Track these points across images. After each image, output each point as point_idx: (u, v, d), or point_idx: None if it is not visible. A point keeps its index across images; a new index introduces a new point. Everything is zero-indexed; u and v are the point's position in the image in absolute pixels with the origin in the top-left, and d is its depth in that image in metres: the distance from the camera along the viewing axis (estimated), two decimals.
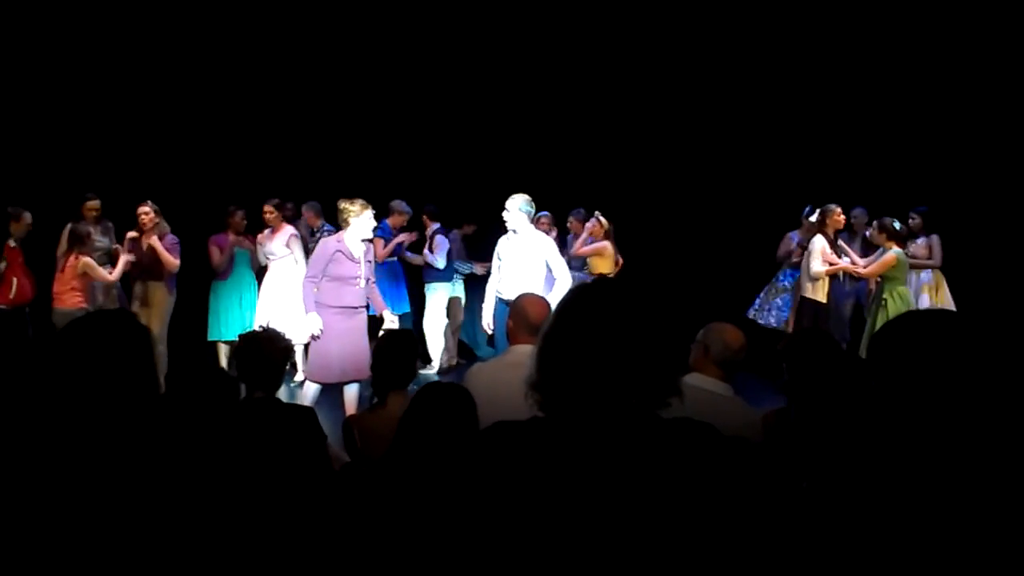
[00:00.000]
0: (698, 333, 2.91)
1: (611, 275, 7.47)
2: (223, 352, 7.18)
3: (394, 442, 2.15)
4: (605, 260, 7.54)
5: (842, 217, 6.86)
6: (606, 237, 7.52)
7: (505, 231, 6.01)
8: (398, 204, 7.86)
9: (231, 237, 7.18)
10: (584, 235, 7.55)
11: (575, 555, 1.31)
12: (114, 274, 6.32)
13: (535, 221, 7.39)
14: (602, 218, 7.51)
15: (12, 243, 6.20)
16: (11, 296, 6.07)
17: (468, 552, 1.42)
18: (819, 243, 6.70)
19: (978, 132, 7.74)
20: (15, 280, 6.13)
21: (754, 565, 1.34)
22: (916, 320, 1.50)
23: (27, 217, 6.27)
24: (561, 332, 1.44)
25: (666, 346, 1.45)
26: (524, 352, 1.53)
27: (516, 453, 1.39)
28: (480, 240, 7.83)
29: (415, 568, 1.90)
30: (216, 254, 7.16)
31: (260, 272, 7.41)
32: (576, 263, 7.56)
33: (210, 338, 7.20)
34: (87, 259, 6.14)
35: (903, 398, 1.36)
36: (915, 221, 7.12)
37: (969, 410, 1.31)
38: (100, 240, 6.72)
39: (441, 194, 8.32)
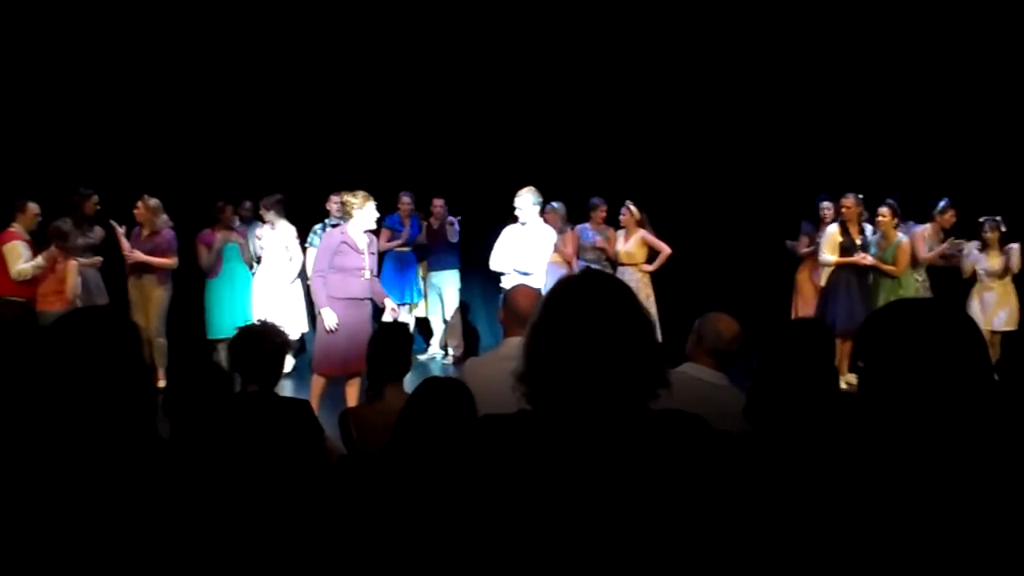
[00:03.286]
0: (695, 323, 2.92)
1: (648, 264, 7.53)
2: (221, 348, 7.12)
3: (392, 437, 2.16)
4: (642, 250, 7.53)
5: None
6: (639, 226, 7.50)
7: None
8: (401, 195, 8.07)
9: (219, 234, 7.08)
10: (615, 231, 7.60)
11: (562, 548, 1.31)
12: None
13: (544, 213, 7.46)
14: (633, 207, 7.48)
15: (26, 235, 6.14)
16: (25, 289, 6.02)
17: (459, 546, 1.42)
18: (831, 230, 6.77)
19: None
20: None
21: (739, 556, 1.34)
22: (908, 308, 1.48)
23: (33, 208, 6.22)
24: (547, 324, 1.44)
25: (652, 337, 1.45)
26: (517, 345, 1.53)
27: (503, 447, 1.39)
28: (481, 233, 7.81)
29: (408, 561, 1.91)
30: (204, 253, 7.05)
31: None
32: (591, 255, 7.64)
33: (210, 336, 7.12)
34: (72, 263, 6.07)
35: (889, 384, 1.35)
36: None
37: (952, 403, 1.30)
38: (88, 236, 6.61)
39: (441, 185, 8.31)
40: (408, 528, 1.94)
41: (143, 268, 6.65)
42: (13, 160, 7.31)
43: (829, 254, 6.78)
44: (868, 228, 6.82)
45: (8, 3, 7.47)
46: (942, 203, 6.96)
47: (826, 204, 7.22)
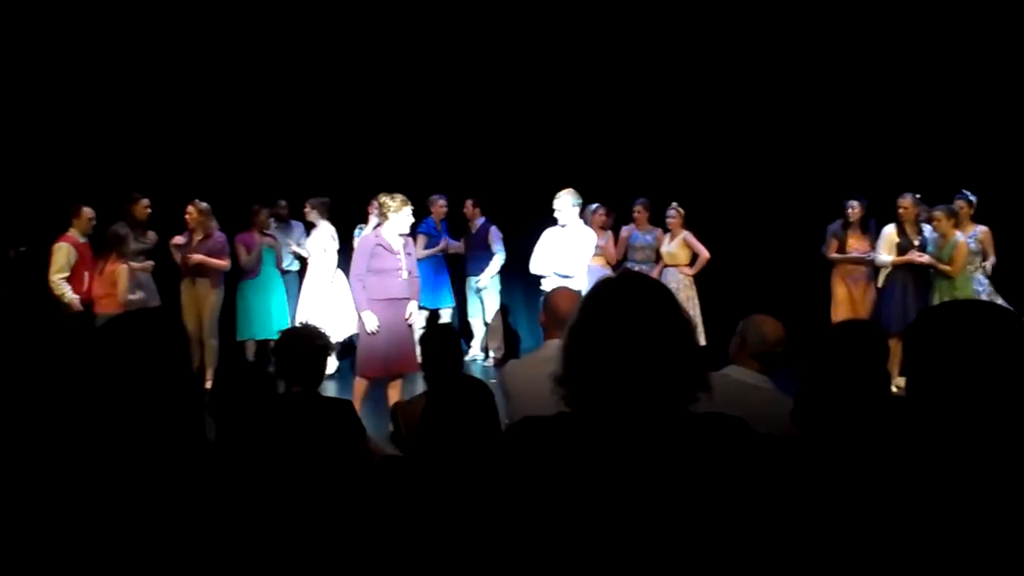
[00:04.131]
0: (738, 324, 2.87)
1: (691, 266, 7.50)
2: (250, 350, 7.23)
3: (414, 437, 2.18)
4: (684, 251, 7.51)
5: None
6: (684, 227, 7.53)
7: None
8: (437, 198, 8.03)
9: (256, 236, 7.18)
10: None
11: (600, 551, 1.30)
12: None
13: (592, 213, 7.44)
14: (679, 209, 7.50)
15: (80, 239, 6.28)
16: (83, 290, 6.17)
17: (493, 547, 1.42)
18: (887, 230, 6.65)
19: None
20: (86, 275, 6.20)
21: (781, 559, 1.31)
22: (957, 309, 1.44)
23: (88, 212, 6.32)
24: (586, 326, 1.43)
25: (692, 340, 1.43)
26: (557, 347, 1.52)
27: (541, 448, 1.38)
28: (517, 232, 7.81)
29: (443, 562, 1.92)
30: (243, 253, 7.11)
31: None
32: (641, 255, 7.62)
33: (240, 337, 7.18)
34: (124, 267, 6.15)
35: (936, 386, 1.31)
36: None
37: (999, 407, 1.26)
38: (144, 241, 6.73)
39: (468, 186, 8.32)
40: (441, 529, 1.95)
41: (197, 271, 6.74)
42: (61, 166, 7.49)
43: (886, 254, 6.67)
44: (927, 229, 6.67)
45: (59, 16, 7.70)
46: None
47: (852, 203, 7.00)
